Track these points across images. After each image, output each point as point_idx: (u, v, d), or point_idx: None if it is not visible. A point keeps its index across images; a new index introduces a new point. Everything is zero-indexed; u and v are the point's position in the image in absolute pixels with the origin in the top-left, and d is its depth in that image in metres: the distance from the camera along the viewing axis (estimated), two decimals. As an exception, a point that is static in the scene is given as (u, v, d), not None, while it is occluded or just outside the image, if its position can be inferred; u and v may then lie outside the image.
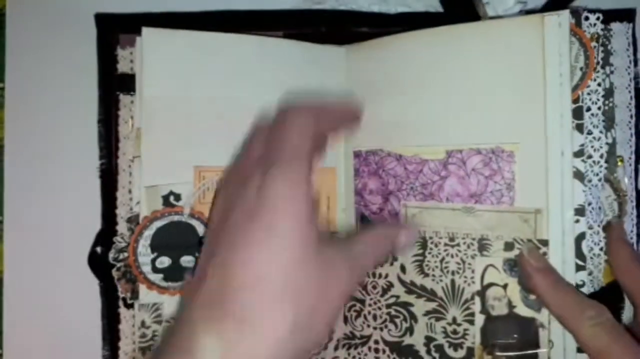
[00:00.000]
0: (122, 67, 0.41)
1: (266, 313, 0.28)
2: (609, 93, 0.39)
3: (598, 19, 0.38)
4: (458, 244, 0.39)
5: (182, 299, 0.32)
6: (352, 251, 0.33)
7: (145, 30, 0.39)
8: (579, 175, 0.38)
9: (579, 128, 0.38)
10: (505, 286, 0.37)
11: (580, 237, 0.37)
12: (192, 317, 0.28)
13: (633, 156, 0.40)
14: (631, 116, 0.40)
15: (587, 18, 0.38)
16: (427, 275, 0.40)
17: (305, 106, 0.34)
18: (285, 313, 0.28)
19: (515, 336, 0.37)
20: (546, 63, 0.37)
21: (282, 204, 0.29)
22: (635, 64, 0.40)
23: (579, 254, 0.37)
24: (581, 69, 0.38)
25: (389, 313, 0.41)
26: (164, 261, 0.39)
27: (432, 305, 0.40)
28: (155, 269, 0.39)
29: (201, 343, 0.27)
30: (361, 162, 0.42)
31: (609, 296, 0.38)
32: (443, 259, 0.39)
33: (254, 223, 0.29)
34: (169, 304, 0.39)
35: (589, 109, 0.38)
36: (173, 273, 0.39)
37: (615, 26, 0.40)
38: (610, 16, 0.39)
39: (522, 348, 0.37)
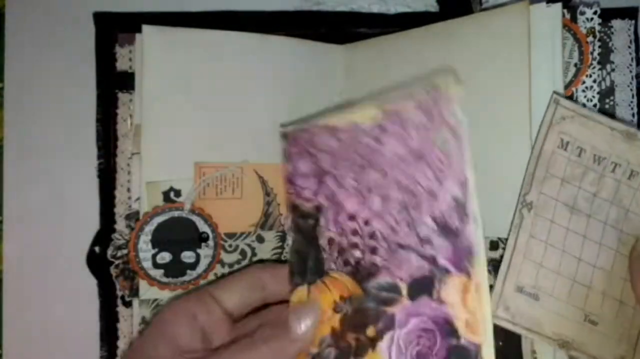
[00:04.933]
0: (121, 65, 0.42)
1: None
2: (609, 91, 0.39)
3: (595, 13, 0.38)
4: None
5: None
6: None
7: (145, 28, 0.39)
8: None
9: None
10: (490, 288, 0.35)
11: None
12: None
13: (636, 155, 0.40)
14: (633, 115, 0.40)
15: (583, 12, 0.38)
16: None
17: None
18: None
19: (499, 343, 0.35)
20: (532, 55, 0.36)
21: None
22: (637, 62, 0.40)
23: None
24: (575, 65, 0.38)
25: None
26: (165, 257, 0.39)
27: None
28: (155, 265, 0.39)
29: None
30: (290, 143, 0.36)
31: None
32: None
33: None
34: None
35: (583, 106, 0.38)
36: (174, 269, 0.39)
37: (616, 23, 0.40)
38: (611, 13, 0.39)
39: (504, 356, 0.35)
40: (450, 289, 0.29)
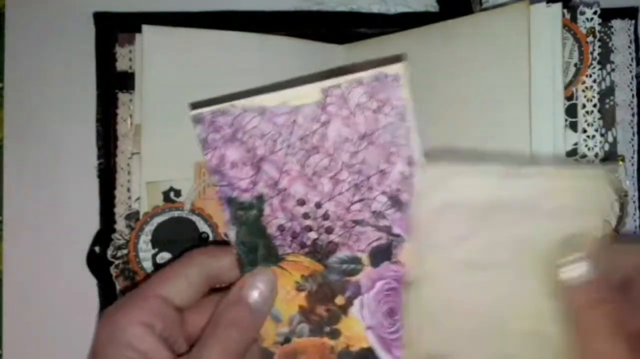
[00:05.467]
0: (121, 65, 0.42)
1: None
2: (609, 91, 0.39)
3: (595, 13, 0.38)
4: None
5: None
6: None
7: (145, 28, 0.39)
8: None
9: (573, 126, 0.37)
10: None
11: None
12: None
13: (635, 156, 0.40)
14: (633, 115, 0.40)
15: (583, 12, 0.38)
16: None
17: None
18: None
19: None
20: (532, 55, 0.36)
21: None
22: (638, 62, 0.40)
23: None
24: (575, 65, 0.38)
25: None
26: (165, 257, 0.39)
27: None
28: (155, 265, 0.39)
29: None
30: (207, 128, 0.32)
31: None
32: None
33: None
34: (170, 299, 0.39)
35: (583, 107, 0.38)
36: (173, 269, 0.39)
37: (616, 23, 0.40)
38: (611, 13, 0.39)
39: None
40: (406, 253, 0.31)
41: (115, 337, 0.30)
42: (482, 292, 0.32)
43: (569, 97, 0.37)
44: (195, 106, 0.32)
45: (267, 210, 0.32)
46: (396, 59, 0.30)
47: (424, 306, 0.32)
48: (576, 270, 0.29)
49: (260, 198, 0.32)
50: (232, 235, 0.33)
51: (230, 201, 0.33)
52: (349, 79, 0.30)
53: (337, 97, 0.31)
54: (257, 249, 0.33)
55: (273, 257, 0.33)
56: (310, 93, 0.31)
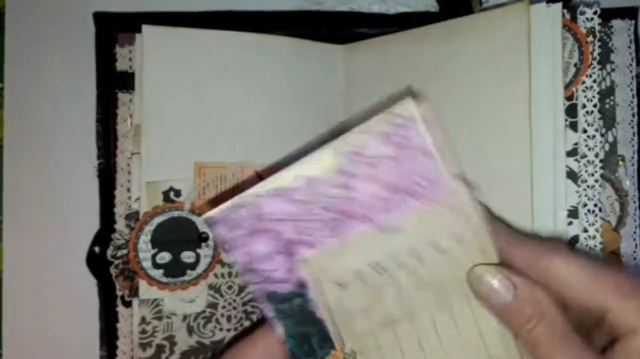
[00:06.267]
0: (121, 65, 0.41)
1: None
2: (609, 91, 0.39)
3: (595, 12, 0.37)
4: None
5: None
6: None
7: (145, 28, 0.39)
8: (572, 175, 0.37)
9: (573, 126, 0.37)
10: None
11: (573, 241, 0.36)
12: None
13: (635, 156, 0.40)
14: (633, 115, 0.40)
15: (583, 12, 0.38)
16: None
17: None
18: None
19: None
20: (532, 55, 0.36)
21: None
22: (638, 62, 0.40)
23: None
24: (575, 65, 0.38)
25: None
26: (165, 257, 0.39)
27: None
28: (155, 265, 0.39)
29: None
30: (226, 230, 0.29)
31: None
32: None
33: None
34: (169, 300, 0.39)
35: (584, 107, 0.38)
36: (173, 269, 0.39)
37: (616, 23, 0.40)
38: (611, 13, 0.39)
39: None
40: None
41: None
42: (413, 343, 0.30)
43: (569, 97, 0.37)
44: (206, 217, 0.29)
45: (312, 294, 0.30)
46: (409, 99, 0.27)
47: None
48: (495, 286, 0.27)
49: (302, 284, 0.30)
50: (280, 332, 0.31)
51: (270, 297, 0.30)
52: (358, 130, 0.28)
53: (357, 157, 0.28)
54: (310, 338, 0.31)
55: (329, 342, 0.31)
56: (322, 160, 0.28)
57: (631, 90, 0.40)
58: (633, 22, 0.40)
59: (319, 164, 0.28)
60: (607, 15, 0.39)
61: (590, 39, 0.38)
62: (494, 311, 0.28)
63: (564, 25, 0.37)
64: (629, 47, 0.40)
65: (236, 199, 0.29)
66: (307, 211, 0.29)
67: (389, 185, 0.28)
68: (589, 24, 0.37)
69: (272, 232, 0.29)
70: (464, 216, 0.28)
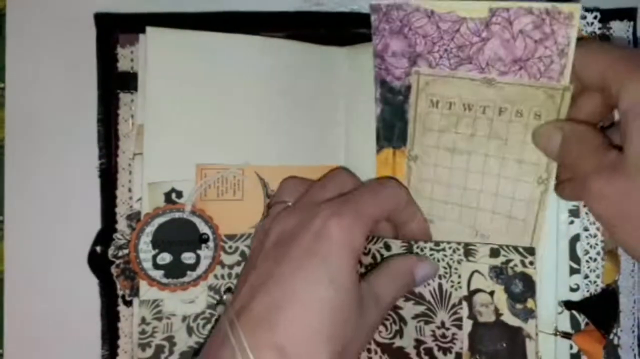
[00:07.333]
0: (123, 65, 0.41)
1: (305, 349, 0.30)
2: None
3: (595, 17, 0.38)
4: (444, 249, 0.37)
5: (226, 308, 0.34)
6: (377, 292, 0.35)
7: (149, 30, 0.39)
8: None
9: None
10: (492, 293, 0.36)
11: (574, 240, 0.36)
12: (234, 338, 0.30)
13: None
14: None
15: (584, 17, 0.38)
16: None
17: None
18: (322, 351, 0.30)
19: (503, 345, 0.36)
20: None
21: (337, 250, 0.32)
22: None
23: (573, 256, 0.36)
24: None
25: None
26: (165, 258, 0.39)
27: (420, 308, 0.38)
28: (156, 266, 0.39)
29: None
30: (381, 18, 0.37)
31: (606, 300, 0.37)
32: None
33: (311, 260, 0.32)
34: (169, 300, 0.39)
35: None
36: (174, 270, 0.39)
37: (615, 25, 0.40)
38: (609, 14, 0.39)
39: (509, 358, 0.36)
40: None
41: None
42: (460, 173, 0.38)
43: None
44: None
45: (411, 98, 0.38)
46: (577, 6, 0.32)
47: (415, 178, 0.39)
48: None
49: (408, 87, 0.38)
50: (377, 111, 0.39)
51: (383, 83, 0.38)
52: (519, 4, 0.33)
53: (503, 19, 0.33)
54: (395, 127, 0.39)
55: (404, 139, 0.39)
56: (478, 8, 0.34)
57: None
58: (632, 23, 0.40)
59: (474, 10, 0.34)
60: (606, 16, 0.39)
61: (591, 42, 0.38)
62: (550, 156, 0.35)
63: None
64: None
65: (400, 1, 0.36)
66: (443, 39, 0.35)
67: (515, 56, 0.34)
68: (589, 29, 0.38)
69: (409, 40, 0.36)
70: (554, 102, 0.34)
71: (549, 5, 0.32)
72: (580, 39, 0.33)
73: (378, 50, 0.38)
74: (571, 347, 0.37)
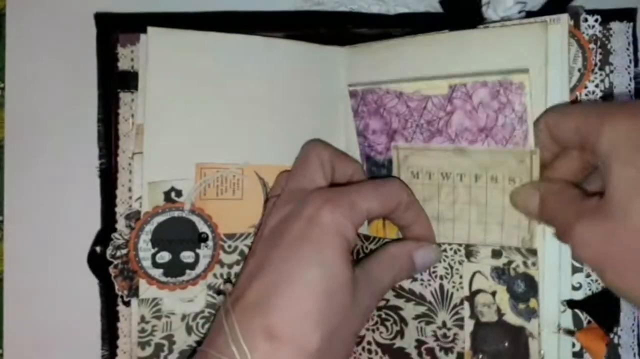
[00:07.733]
0: (123, 65, 0.42)
1: (296, 331, 0.31)
2: (608, 93, 0.39)
3: (596, 20, 0.38)
4: (445, 250, 0.38)
5: (225, 299, 0.34)
6: (371, 276, 0.35)
7: (150, 30, 0.39)
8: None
9: None
10: (493, 294, 0.37)
11: None
12: (227, 326, 0.31)
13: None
14: (632, 114, 0.40)
15: (585, 20, 0.38)
16: (415, 279, 0.39)
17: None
18: (312, 333, 0.31)
19: (505, 344, 0.36)
20: (548, 70, 0.36)
21: (328, 236, 0.33)
22: (636, 64, 0.40)
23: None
24: (579, 70, 0.38)
25: (379, 316, 0.41)
26: (164, 256, 0.39)
27: (421, 309, 0.39)
28: (155, 264, 0.39)
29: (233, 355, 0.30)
30: (359, 101, 0.41)
31: (607, 300, 0.38)
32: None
33: (304, 244, 0.33)
34: (169, 299, 0.39)
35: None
36: (173, 268, 0.39)
37: (615, 25, 0.40)
38: (609, 15, 0.39)
39: (511, 357, 0.36)
40: None
41: None
42: (447, 241, 0.39)
43: (574, 101, 0.38)
44: (351, 84, 0.41)
45: (394, 171, 0.40)
46: (522, 70, 0.34)
47: None
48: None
49: (390, 161, 0.40)
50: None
51: (368, 158, 0.41)
52: (474, 79, 0.36)
53: (462, 93, 0.36)
54: None
55: None
56: (440, 86, 0.37)
57: (629, 91, 0.40)
58: (631, 24, 0.40)
59: (436, 88, 0.37)
60: (606, 17, 0.39)
61: (592, 45, 0.38)
62: (531, 216, 0.35)
63: (568, 32, 0.37)
64: (628, 49, 0.40)
65: (371, 86, 0.40)
66: (413, 116, 0.38)
67: (480, 126, 0.36)
68: (591, 31, 0.38)
69: (385, 119, 0.40)
70: (525, 166, 0.35)
71: (500, 77, 0.35)
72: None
73: (360, 129, 0.41)
74: (573, 345, 0.37)
